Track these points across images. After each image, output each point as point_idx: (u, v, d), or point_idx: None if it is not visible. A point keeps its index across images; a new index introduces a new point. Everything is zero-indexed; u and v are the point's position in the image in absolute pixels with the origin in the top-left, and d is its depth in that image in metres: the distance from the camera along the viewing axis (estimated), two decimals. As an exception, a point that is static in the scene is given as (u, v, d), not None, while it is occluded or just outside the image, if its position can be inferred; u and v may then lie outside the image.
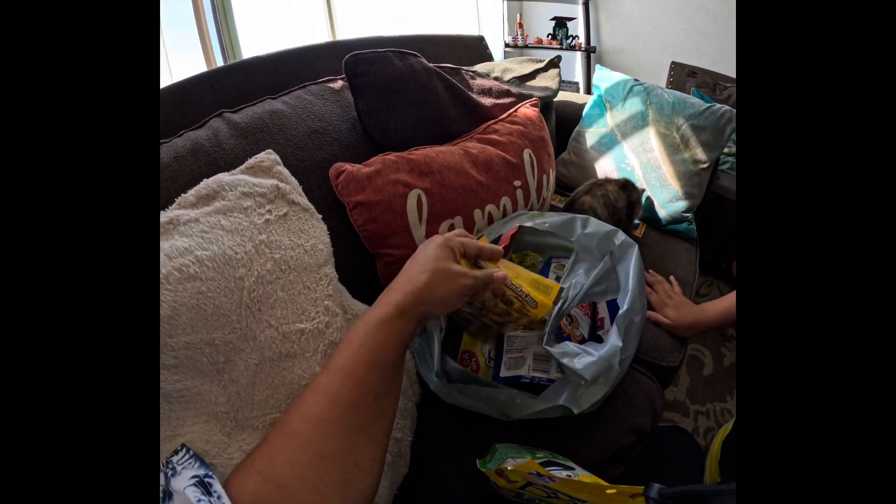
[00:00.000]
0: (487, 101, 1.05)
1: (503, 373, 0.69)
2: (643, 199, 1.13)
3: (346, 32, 2.28)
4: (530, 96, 1.14)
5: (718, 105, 1.33)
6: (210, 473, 0.29)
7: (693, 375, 1.50)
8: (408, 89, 0.94)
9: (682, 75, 2.45)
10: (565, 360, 0.58)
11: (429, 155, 0.83)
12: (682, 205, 1.29)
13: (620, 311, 0.62)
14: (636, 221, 1.29)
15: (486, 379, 0.69)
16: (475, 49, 1.78)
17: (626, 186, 1.10)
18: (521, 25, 2.79)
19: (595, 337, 0.76)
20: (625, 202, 1.06)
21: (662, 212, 1.31)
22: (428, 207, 0.79)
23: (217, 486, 0.30)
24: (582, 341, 0.69)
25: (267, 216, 0.57)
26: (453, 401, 0.65)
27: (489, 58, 1.74)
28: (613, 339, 0.63)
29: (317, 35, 2.24)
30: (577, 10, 2.75)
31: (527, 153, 0.94)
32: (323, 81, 1.08)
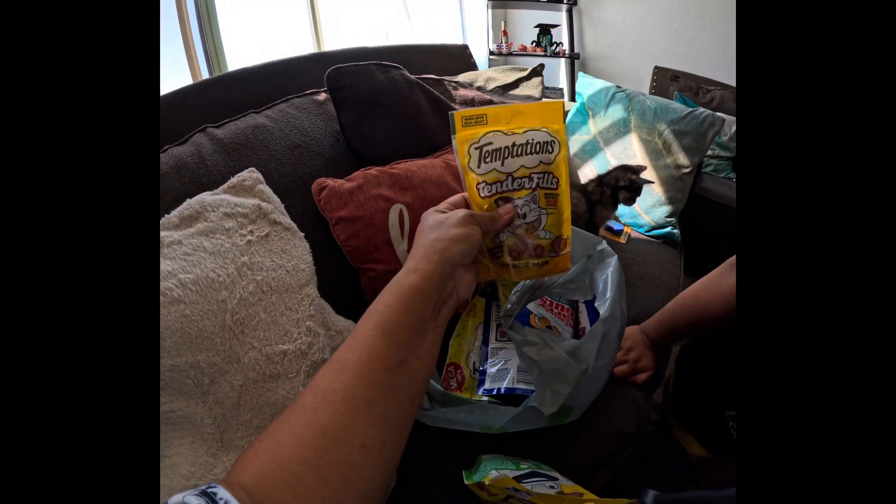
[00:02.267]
0: (470, 112, 1.06)
1: (487, 385, 0.70)
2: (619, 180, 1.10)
3: (331, 43, 2.28)
4: (513, 106, 1.16)
5: (700, 110, 1.35)
6: (213, 485, 0.28)
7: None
8: (390, 102, 0.95)
9: (665, 80, 2.48)
10: (525, 349, 0.58)
11: (410, 169, 0.84)
12: (665, 210, 1.31)
13: (601, 316, 0.63)
14: (618, 227, 1.31)
15: (467, 397, 0.70)
16: (459, 58, 1.80)
17: (593, 187, 1.12)
18: (505, 33, 2.80)
19: (578, 345, 0.77)
20: (585, 207, 1.08)
21: (646, 217, 1.33)
22: (410, 222, 0.80)
23: (222, 493, 0.27)
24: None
25: (249, 237, 0.57)
26: (437, 423, 0.65)
27: (473, 66, 1.75)
28: (582, 340, 0.63)
29: (302, 46, 2.24)
30: (561, 17, 2.77)
31: None
32: (307, 94, 1.07)
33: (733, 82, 2.33)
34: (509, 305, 0.63)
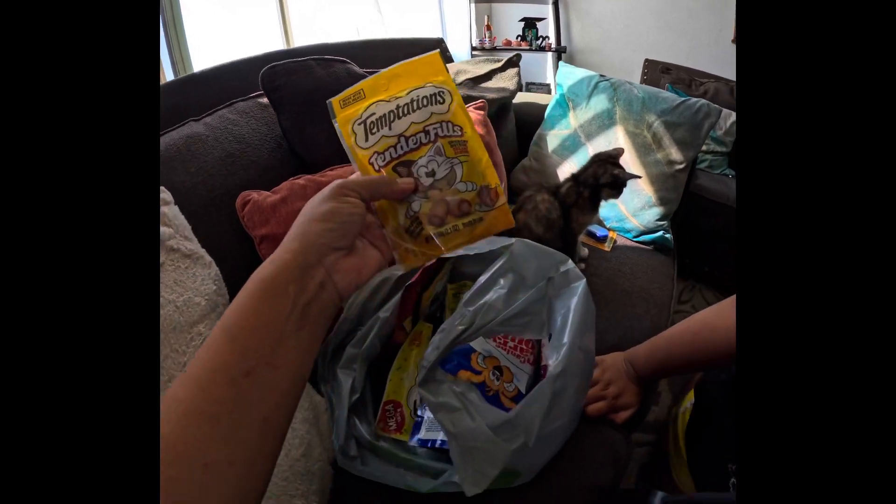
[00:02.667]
0: (427, 107, 0.94)
1: (422, 434, 0.57)
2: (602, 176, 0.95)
3: (303, 41, 2.17)
4: (480, 98, 1.03)
5: (694, 99, 1.21)
6: None
7: (673, 387, 1.38)
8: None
9: (656, 72, 2.37)
10: (440, 416, 0.46)
11: (340, 176, 0.71)
12: (656, 212, 1.18)
13: (549, 372, 0.49)
14: (601, 233, 1.18)
15: (404, 440, 0.57)
16: (433, 52, 1.68)
17: (561, 190, 0.98)
18: (489, 28, 2.70)
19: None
20: (558, 213, 0.94)
21: (634, 221, 1.19)
22: (340, 238, 0.67)
23: None
24: (517, 397, 0.56)
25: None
26: (361, 474, 0.53)
27: (449, 61, 1.64)
28: (522, 406, 0.50)
29: (271, 45, 2.13)
30: (547, 11, 2.68)
31: None
32: (251, 97, 1.01)
33: (727, 75, 2.24)
34: (429, 350, 0.50)
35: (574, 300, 0.53)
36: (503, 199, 0.41)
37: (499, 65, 1.35)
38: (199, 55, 1.88)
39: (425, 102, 0.39)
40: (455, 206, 0.39)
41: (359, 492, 0.58)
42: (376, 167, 0.38)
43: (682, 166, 1.19)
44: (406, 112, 0.39)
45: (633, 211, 1.19)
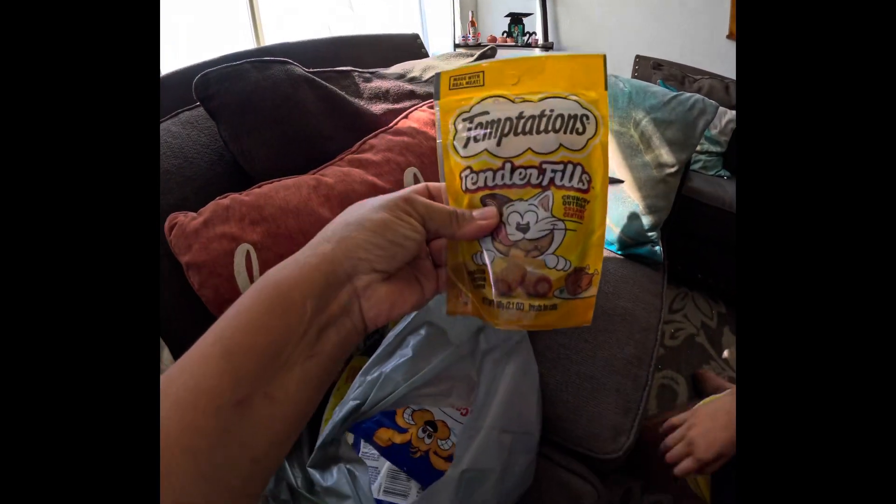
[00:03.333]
0: (379, 107, 0.84)
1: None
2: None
3: (274, 40, 2.08)
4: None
5: (687, 94, 1.10)
6: None
7: (664, 407, 1.28)
8: (266, 105, 0.75)
9: (648, 69, 2.28)
10: (330, 501, 0.36)
11: (266, 195, 0.62)
12: (644, 221, 1.07)
13: (454, 465, 0.39)
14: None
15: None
16: (407, 49, 1.59)
17: None
18: (473, 23, 2.60)
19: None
20: None
21: (617, 231, 1.09)
22: (259, 267, 0.56)
23: None
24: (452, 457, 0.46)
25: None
26: None
27: (424, 57, 1.54)
28: (421, 498, 0.41)
29: (242, 45, 2.03)
30: (534, 6, 2.60)
31: (410, 173, 0.73)
32: (197, 106, 0.89)
33: (722, 71, 2.15)
34: (327, 428, 0.39)
35: (510, 367, 0.42)
36: (594, 290, 0.31)
37: (470, 59, 1.25)
38: (167, 57, 1.80)
39: (559, 125, 0.29)
40: (532, 282, 0.30)
41: None
42: (464, 186, 0.30)
43: (673, 170, 1.08)
44: (528, 129, 0.29)
45: (616, 220, 1.09)
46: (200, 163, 0.82)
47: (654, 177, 1.09)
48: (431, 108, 0.90)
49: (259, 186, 0.65)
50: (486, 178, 0.30)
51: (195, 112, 0.88)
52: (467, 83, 0.31)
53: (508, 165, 0.30)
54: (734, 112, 1.86)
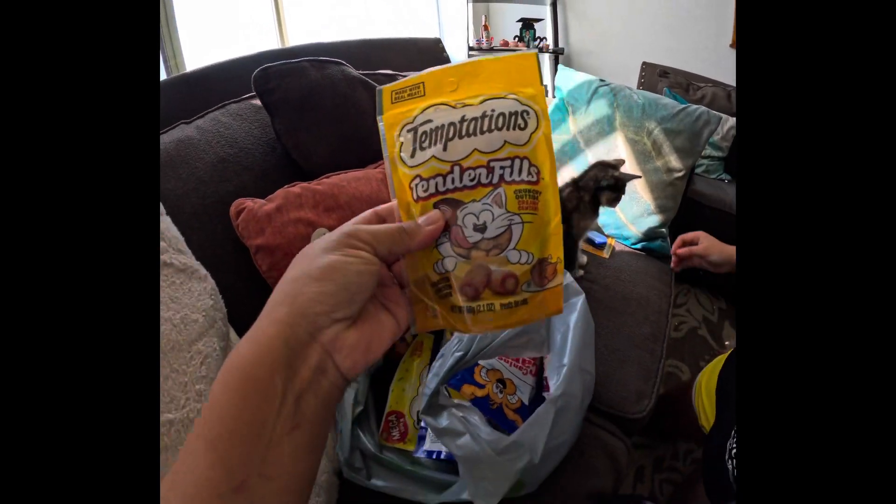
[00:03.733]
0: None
1: (427, 444, 0.56)
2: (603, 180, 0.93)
3: (298, 39, 2.14)
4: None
5: (694, 106, 1.21)
6: None
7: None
8: (325, 103, 0.81)
9: (654, 76, 2.36)
10: (445, 440, 0.44)
11: (338, 185, 0.69)
12: (654, 219, 1.17)
13: (551, 394, 0.48)
14: (600, 240, 1.17)
15: (411, 449, 0.56)
16: (431, 52, 1.67)
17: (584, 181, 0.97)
18: (486, 28, 2.68)
19: (539, 400, 0.63)
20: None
21: (633, 228, 1.18)
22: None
23: None
24: (520, 409, 0.54)
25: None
26: (367, 486, 0.52)
27: (446, 61, 1.62)
28: (525, 427, 0.48)
29: (266, 43, 2.10)
30: (545, 12, 2.66)
31: None
32: (244, 98, 0.97)
33: (725, 79, 2.24)
34: (429, 376, 0.48)
35: (573, 317, 0.52)
36: (560, 278, 0.32)
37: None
38: (192, 54, 1.85)
39: (501, 123, 0.30)
40: (498, 280, 0.30)
41: (364, 497, 0.57)
42: (415, 195, 0.30)
43: (680, 174, 1.18)
44: (472, 131, 0.30)
45: (631, 218, 1.18)
46: (255, 153, 0.86)
47: (664, 180, 1.18)
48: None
49: (328, 177, 0.72)
50: (436, 183, 0.29)
51: (242, 105, 0.93)
52: (409, 95, 0.31)
53: (457, 168, 0.29)
54: (735, 119, 1.95)
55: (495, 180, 0.30)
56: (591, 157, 1.23)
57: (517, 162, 0.30)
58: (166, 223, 0.62)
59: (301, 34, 2.16)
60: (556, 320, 0.53)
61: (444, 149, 0.29)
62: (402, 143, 0.30)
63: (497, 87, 0.30)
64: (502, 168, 0.29)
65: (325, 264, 0.26)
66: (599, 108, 1.25)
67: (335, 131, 0.82)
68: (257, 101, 0.93)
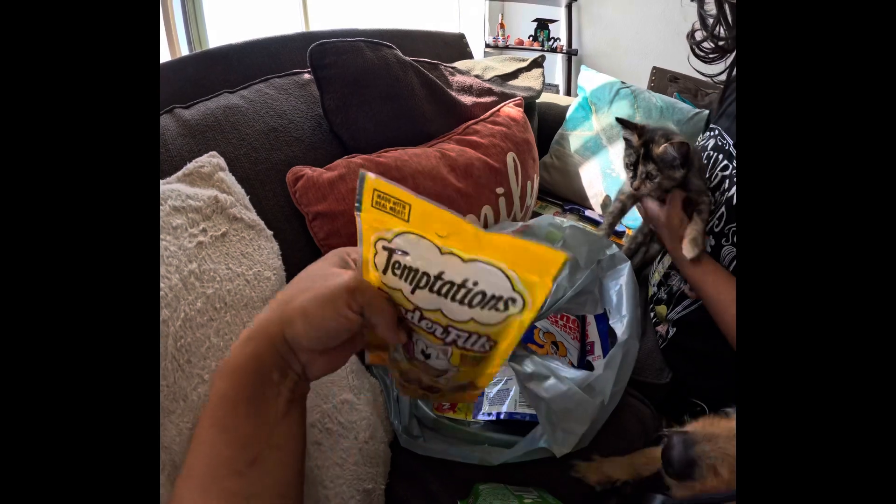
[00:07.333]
0: (468, 99, 0.97)
1: (486, 408, 0.61)
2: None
3: (320, 25, 2.18)
4: (513, 96, 1.07)
5: (706, 112, 1.29)
6: None
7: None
8: (380, 83, 0.85)
9: (664, 80, 2.42)
10: (531, 385, 0.49)
11: (401, 158, 0.74)
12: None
13: (619, 339, 0.54)
14: (619, 228, 1.23)
15: (465, 419, 0.61)
16: (455, 47, 1.70)
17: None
18: (502, 26, 2.73)
19: (585, 364, 0.68)
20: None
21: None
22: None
23: None
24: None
25: (200, 237, 0.46)
26: (427, 453, 0.56)
27: (469, 56, 1.66)
28: (599, 369, 0.54)
29: (290, 27, 2.13)
30: (560, 13, 2.71)
31: (510, 157, 0.86)
32: (288, 74, 0.99)
33: (732, 86, 2.30)
34: None
35: (623, 279, 0.58)
36: (478, 391, 0.36)
37: (524, 64, 1.38)
38: (216, 33, 1.88)
39: (475, 301, 0.27)
40: (426, 386, 0.36)
41: (414, 470, 0.60)
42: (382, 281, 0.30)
43: (693, 173, 1.25)
44: (444, 293, 0.27)
45: (649, 212, 1.25)
46: (304, 126, 0.87)
47: (678, 178, 1.25)
48: (518, 105, 1.02)
49: (387, 152, 0.76)
50: (399, 308, 0.30)
51: (285, 80, 0.93)
52: (391, 209, 0.27)
53: (418, 313, 0.29)
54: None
55: (448, 340, 0.30)
56: (612, 152, 1.29)
57: (475, 336, 0.29)
58: (231, 179, 0.62)
59: (324, 20, 2.20)
60: (607, 283, 0.60)
61: (412, 292, 0.28)
62: (377, 253, 0.29)
63: (499, 255, 0.26)
64: (458, 335, 0.29)
65: (319, 316, 0.30)
66: (621, 108, 1.31)
67: (385, 110, 0.85)
68: (300, 77, 0.95)
